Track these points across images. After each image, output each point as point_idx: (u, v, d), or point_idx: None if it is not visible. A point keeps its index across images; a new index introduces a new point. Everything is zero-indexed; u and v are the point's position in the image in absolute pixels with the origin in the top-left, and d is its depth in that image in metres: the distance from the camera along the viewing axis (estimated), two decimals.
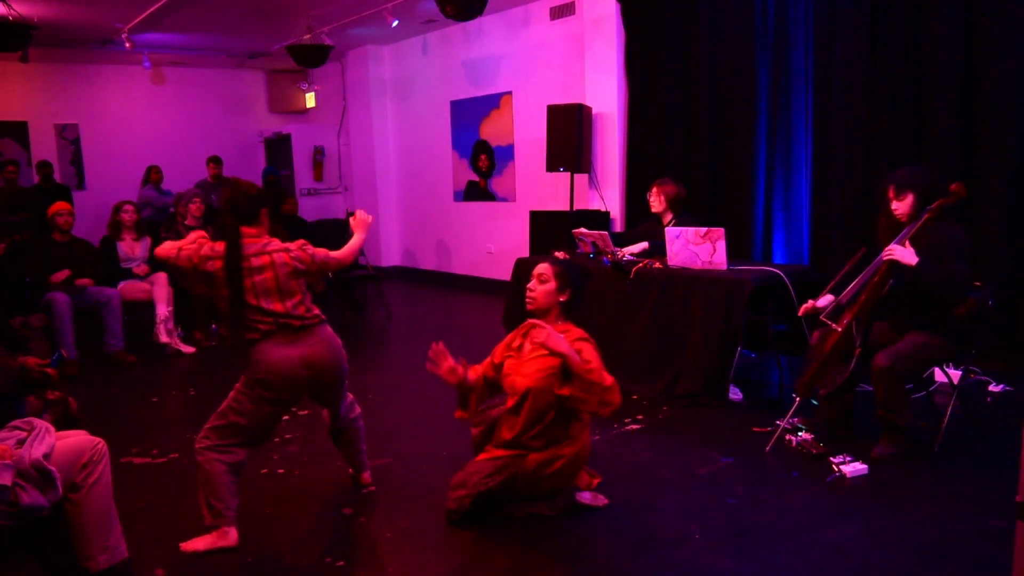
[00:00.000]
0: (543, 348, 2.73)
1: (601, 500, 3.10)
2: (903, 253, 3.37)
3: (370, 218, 3.32)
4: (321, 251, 3.03)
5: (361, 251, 8.75)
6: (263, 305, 2.87)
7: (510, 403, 3.03)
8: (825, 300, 3.67)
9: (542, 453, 2.95)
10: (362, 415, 3.34)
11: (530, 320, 3.04)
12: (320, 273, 3.00)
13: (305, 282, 3.00)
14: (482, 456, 3.08)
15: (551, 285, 2.99)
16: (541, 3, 7.87)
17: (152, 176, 9.36)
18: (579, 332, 2.96)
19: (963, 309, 3.51)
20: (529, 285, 3.05)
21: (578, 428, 2.99)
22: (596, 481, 3.22)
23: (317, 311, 3.01)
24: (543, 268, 3.03)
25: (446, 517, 3.04)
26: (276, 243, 2.96)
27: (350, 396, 3.28)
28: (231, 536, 2.87)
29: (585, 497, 3.09)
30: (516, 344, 3.12)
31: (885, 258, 3.43)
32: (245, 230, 2.91)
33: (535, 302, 3.01)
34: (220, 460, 2.86)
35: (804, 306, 3.73)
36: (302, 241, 3.03)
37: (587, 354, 2.80)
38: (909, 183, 3.50)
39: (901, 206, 3.53)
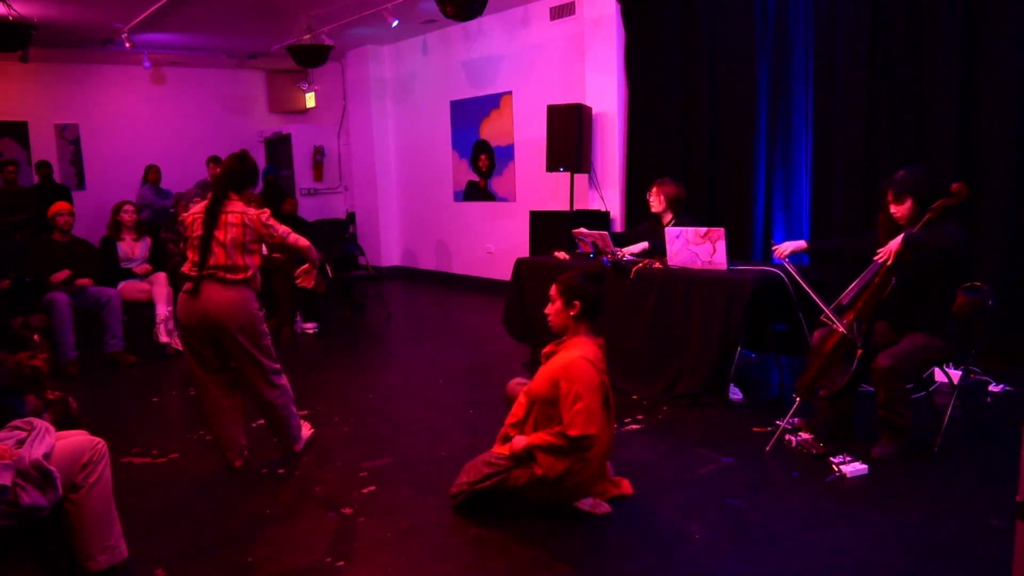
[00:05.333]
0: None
1: (602, 508, 3.06)
2: (891, 244, 3.39)
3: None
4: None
5: (360, 251, 8.75)
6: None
7: (521, 412, 3.06)
8: (793, 244, 3.88)
9: (528, 469, 2.96)
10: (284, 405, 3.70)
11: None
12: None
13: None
14: (495, 450, 3.11)
15: (557, 304, 3.02)
16: (541, 3, 7.88)
17: (150, 176, 9.33)
18: (579, 355, 2.90)
19: (962, 309, 3.51)
20: (546, 310, 3.10)
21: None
22: (612, 492, 3.15)
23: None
24: (551, 289, 3.06)
25: (450, 498, 3.13)
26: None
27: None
28: None
29: (586, 504, 3.07)
30: (548, 351, 3.14)
31: (880, 261, 3.43)
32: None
33: (552, 325, 3.08)
34: None
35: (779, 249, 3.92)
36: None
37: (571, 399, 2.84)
38: (908, 188, 3.50)
39: (900, 210, 3.54)
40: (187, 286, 3.45)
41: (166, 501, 3.37)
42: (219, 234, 3.44)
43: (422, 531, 2.99)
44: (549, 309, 3.07)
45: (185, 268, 3.53)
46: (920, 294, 3.52)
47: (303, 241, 3.65)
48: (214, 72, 11.40)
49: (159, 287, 6.15)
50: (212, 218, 3.45)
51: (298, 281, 3.78)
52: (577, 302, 2.99)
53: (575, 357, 2.92)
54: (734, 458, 3.60)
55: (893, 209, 3.56)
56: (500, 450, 3.09)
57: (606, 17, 6.89)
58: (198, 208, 3.56)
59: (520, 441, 2.95)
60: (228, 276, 3.45)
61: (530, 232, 7.30)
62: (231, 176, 3.53)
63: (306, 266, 3.75)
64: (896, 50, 5.16)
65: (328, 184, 11.05)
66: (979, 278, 3.64)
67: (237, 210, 3.49)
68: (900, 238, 3.38)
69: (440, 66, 9.38)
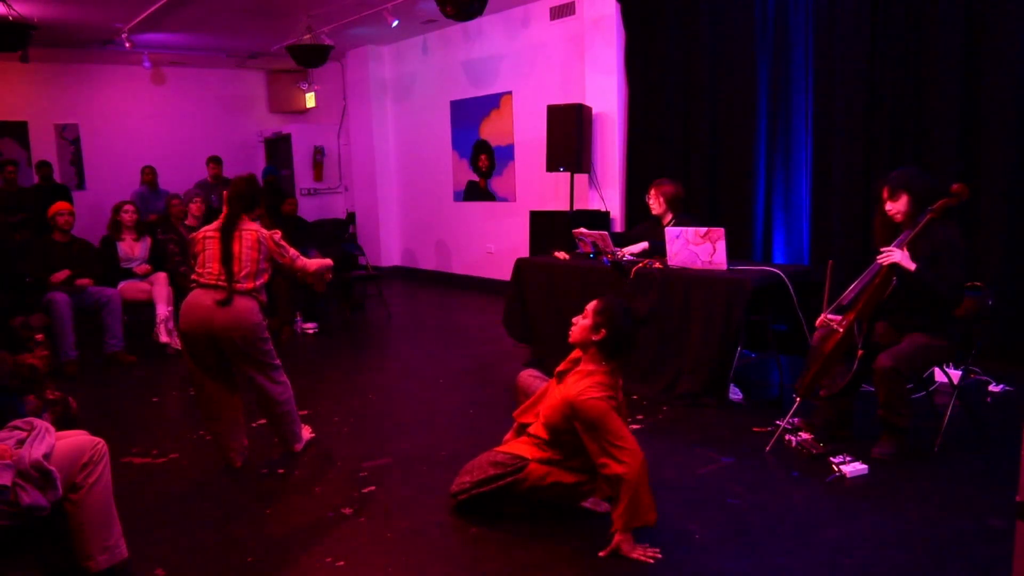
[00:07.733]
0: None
1: (603, 507, 3.06)
2: (902, 257, 3.37)
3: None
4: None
5: (360, 251, 8.74)
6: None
7: (531, 417, 3.04)
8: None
9: (541, 469, 2.96)
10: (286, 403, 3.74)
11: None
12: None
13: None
14: (499, 448, 3.11)
15: (587, 321, 2.92)
16: (541, 3, 7.88)
17: (145, 177, 9.29)
18: (592, 392, 2.79)
19: (962, 310, 3.51)
20: (574, 318, 3.01)
21: (585, 463, 2.92)
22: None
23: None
24: (590, 303, 2.98)
25: (450, 497, 3.13)
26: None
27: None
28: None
29: (587, 502, 3.08)
30: (563, 369, 3.09)
31: (884, 262, 3.42)
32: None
33: (572, 335, 2.99)
34: None
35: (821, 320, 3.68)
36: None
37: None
38: (903, 184, 3.50)
39: (895, 206, 3.53)
40: (219, 296, 3.50)
41: (166, 501, 3.37)
42: (235, 248, 3.57)
43: (422, 531, 2.99)
44: (577, 320, 2.97)
45: (193, 276, 3.64)
46: (921, 295, 3.52)
47: (311, 266, 3.78)
48: (214, 72, 11.40)
49: (159, 287, 6.15)
50: (228, 235, 3.58)
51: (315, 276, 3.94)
52: (604, 331, 2.87)
53: (576, 393, 2.81)
54: (734, 458, 3.60)
55: (889, 206, 3.55)
56: (508, 448, 3.08)
57: (606, 17, 6.89)
58: (210, 227, 3.67)
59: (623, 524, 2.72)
60: (236, 287, 3.54)
61: (530, 232, 7.30)
62: (243, 198, 3.66)
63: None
64: (896, 50, 5.16)
65: (328, 184, 11.05)
66: (979, 278, 3.63)
67: (251, 228, 3.63)
68: (908, 255, 3.35)
69: (440, 66, 9.38)
